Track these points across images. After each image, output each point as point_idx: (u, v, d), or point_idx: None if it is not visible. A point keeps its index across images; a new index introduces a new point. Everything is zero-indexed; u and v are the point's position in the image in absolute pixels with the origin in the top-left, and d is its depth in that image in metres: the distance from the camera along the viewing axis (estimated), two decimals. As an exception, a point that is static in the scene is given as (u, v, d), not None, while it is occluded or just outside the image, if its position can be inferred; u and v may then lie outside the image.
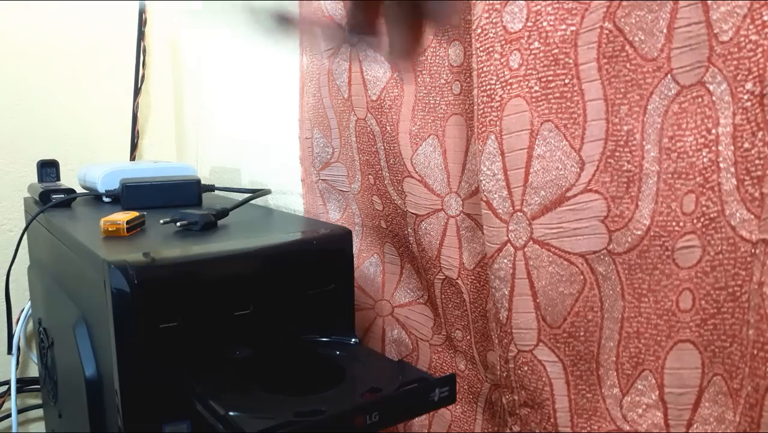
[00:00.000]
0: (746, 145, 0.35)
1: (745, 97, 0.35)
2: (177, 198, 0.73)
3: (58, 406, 0.69)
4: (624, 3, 0.39)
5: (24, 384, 0.97)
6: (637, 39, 0.39)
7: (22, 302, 0.92)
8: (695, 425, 0.41)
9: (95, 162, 0.96)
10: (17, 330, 0.91)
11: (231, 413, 0.40)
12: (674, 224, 0.40)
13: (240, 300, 0.50)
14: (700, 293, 0.39)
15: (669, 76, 0.39)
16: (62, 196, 0.74)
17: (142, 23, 1.06)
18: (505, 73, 0.43)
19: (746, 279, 0.37)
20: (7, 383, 0.91)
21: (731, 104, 0.36)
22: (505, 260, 0.46)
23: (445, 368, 0.62)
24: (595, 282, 0.43)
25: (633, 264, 0.41)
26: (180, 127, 1.13)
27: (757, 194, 0.35)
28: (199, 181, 0.77)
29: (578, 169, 0.42)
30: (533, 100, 0.42)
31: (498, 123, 0.44)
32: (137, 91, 1.07)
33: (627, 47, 0.39)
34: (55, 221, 0.65)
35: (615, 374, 0.44)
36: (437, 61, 0.55)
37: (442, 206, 0.56)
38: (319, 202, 0.70)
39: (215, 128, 1.00)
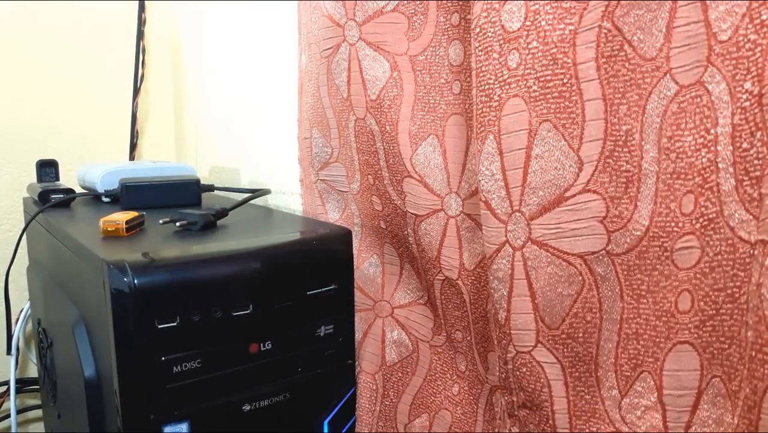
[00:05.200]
0: (745, 145, 0.35)
1: (744, 96, 0.35)
2: (176, 198, 0.73)
3: (57, 406, 0.69)
4: (623, 2, 0.39)
5: (23, 384, 0.97)
6: (635, 38, 0.39)
7: (21, 302, 0.92)
8: (694, 427, 0.40)
9: (94, 162, 0.96)
10: (16, 330, 0.91)
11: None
12: (673, 224, 0.39)
13: (239, 300, 0.50)
14: (698, 294, 0.39)
15: (668, 75, 0.38)
16: (61, 196, 0.75)
17: (141, 23, 1.06)
18: (504, 72, 0.43)
19: (745, 280, 0.37)
20: (6, 383, 0.91)
21: (730, 104, 0.36)
22: (504, 261, 0.46)
23: (446, 369, 0.61)
24: (593, 283, 0.43)
25: (632, 265, 0.41)
26: (179, 127, 1.13)
27: (755, 195, 0.35)
28: (198, 181, 0.77)
29: (577, 170, 0.42)
30: (531, 99, 0.42)
31: (496, 123, 0.44)
32: (136, 91, 1.07)
33: (626, 46, 0.39)
34: (54, 221, 0.65)
35: (614, 375, 0.43)
36: (437, 60, 0.55)
37: (442, 206, 0.56)
38: (317, 202, 0.69)
39: (215, 128, 1.00)
